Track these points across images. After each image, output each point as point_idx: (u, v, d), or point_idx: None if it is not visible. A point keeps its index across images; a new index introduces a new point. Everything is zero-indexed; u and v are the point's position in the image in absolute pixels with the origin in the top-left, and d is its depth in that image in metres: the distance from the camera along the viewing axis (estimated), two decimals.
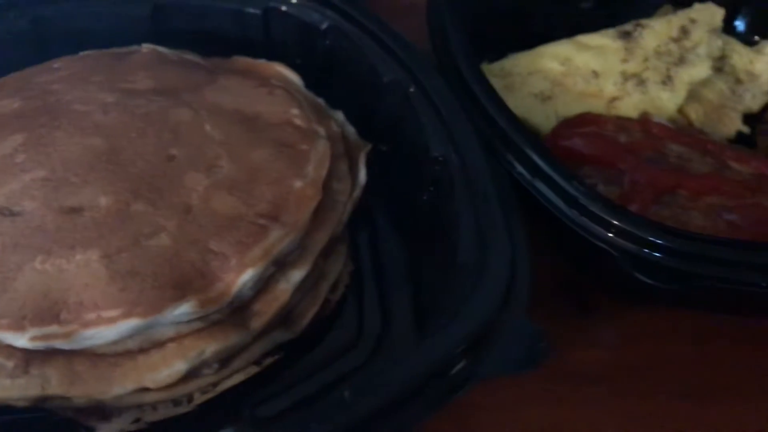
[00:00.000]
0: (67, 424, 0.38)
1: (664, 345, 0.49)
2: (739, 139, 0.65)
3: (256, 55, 0.57)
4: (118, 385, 0.36)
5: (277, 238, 0.39)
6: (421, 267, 0.49)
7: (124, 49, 0.54)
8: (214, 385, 0.40)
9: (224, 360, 0.39)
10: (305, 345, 0.44)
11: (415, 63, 0.51)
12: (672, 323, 0.50)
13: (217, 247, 0.38)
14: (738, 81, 0.69)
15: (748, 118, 0.66)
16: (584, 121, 0.55)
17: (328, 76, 0.58)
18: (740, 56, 0.70)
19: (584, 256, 0.50)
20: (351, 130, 0.52)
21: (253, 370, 0.41)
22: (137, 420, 0.39)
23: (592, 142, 0.52)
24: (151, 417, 0.39)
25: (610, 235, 0.42)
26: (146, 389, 0.37)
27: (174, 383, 0.37)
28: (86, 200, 0.39)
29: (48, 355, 0.36)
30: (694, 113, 0.64)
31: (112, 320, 0.35)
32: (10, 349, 0.36)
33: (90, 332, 0.35)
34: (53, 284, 0.36)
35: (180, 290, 0.36)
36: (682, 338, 0.49)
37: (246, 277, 0.38)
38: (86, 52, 0.53)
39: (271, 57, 0.56)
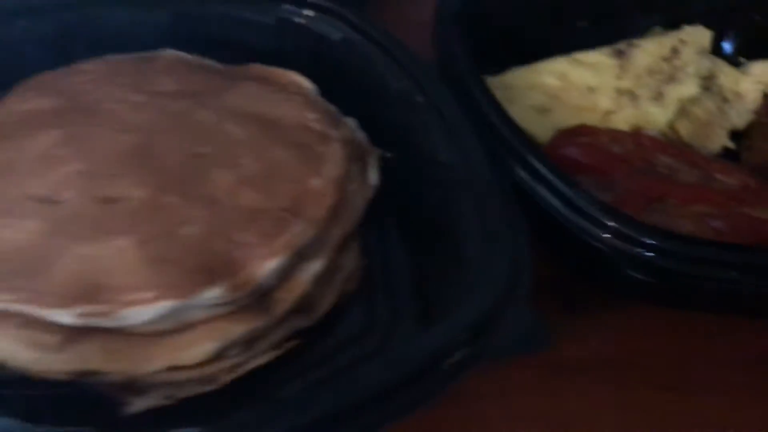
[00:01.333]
0: (102, 399, 0.40)
1: (645, 340, 0.52)
2: (725, 154, 0.68)
3: (269, 63, 0.59)
4: (152, 362, 0.39)
5: (299, 231, 0.42)
6: (425, 263, 0.51)
7: (147, 54, 0.56)
8: (239, 366, 0.42)
9: (248, 343, 0.42)
10: (321, 332, 0.47)
11: (422, 74, 0.54)
12: (652, 321, 0.53)
13: (244, 237, 0.41)
14: (725, 100, 0.72)
15: (734, 134, 0.70)
16: (581, 132, 0.58)
17: (339, 85, 0.60)
18: (727, 77, 0.73)
19: (579, 256, 0.53)
20: (362, 135, 0.55)
21: (275, 353, 0.44)
22: (168, 396, 0.41)
23: (588, 152, 0.55)
24: (180, 394, 0.41)
25: (606, 235, 0.45)
26: (177, 368, 0.40)
27: (202, 363, 0.40)
28: (120, 191, 0.42)
29: (87, 333, 0.38)
30: (684, 129, 0.67)
31: (148, 301, 0.37)
32: (54, 327, 0.38)
33: (129, 312, 0.37)
34: (93, 267, 0.38)
35: (210, 276, 0.39)
36: (661, 334, 0.52)
37: (272, 265, 0.40)
38: (111, 56, 0.55)
39: (284, 65, 0.59)
